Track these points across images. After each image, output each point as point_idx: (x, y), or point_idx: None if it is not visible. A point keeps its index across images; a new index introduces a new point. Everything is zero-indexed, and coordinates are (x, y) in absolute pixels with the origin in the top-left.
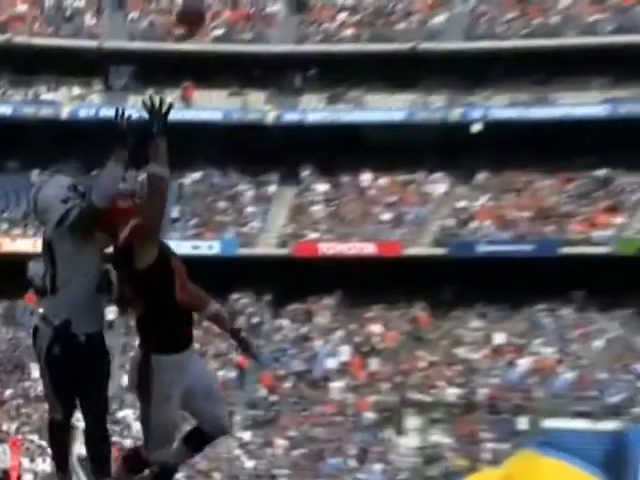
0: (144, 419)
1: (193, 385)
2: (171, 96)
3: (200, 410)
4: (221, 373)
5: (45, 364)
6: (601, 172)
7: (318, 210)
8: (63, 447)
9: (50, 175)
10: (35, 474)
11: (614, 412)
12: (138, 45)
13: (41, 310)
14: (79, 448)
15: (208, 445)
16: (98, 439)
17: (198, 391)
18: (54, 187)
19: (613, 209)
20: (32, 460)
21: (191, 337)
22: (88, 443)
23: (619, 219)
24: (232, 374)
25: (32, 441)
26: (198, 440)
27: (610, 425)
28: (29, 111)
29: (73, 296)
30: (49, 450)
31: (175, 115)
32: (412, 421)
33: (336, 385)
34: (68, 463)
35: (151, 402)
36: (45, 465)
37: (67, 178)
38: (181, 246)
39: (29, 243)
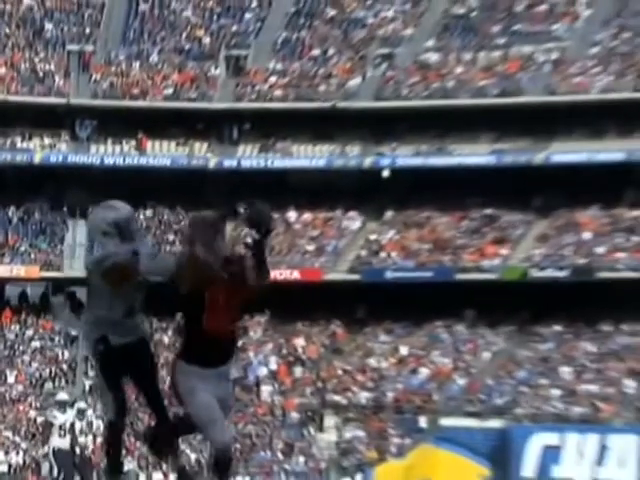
0: (194, 420)
1: (216, 397)
2: (127, 145)
3: None
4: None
5: (96, 364)
6: (489, 211)
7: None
8: (118, 449)
9: (106, 202)
10: (9, 465)
11: (499, 412)
12: (100, 102)
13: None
14: (56, 441)
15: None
16: (165, 424)
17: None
18: (99, 217)
19: (499, 242)
20: (7, 453)
21: (217, 360)
22: (159, 430)
23: (504, 250)
24: None
25: (7, 437)
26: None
27: (496, 423)
28: (6, 157)
29: (103, 319)
30: (105, 452)
31: (131, 161)
32: (330, 420)
33: (266, 389)
34: (122, 466)
35: (184, 401)
36: (18, 458)
37: (117, 210)
38: None
39: (6, 269)
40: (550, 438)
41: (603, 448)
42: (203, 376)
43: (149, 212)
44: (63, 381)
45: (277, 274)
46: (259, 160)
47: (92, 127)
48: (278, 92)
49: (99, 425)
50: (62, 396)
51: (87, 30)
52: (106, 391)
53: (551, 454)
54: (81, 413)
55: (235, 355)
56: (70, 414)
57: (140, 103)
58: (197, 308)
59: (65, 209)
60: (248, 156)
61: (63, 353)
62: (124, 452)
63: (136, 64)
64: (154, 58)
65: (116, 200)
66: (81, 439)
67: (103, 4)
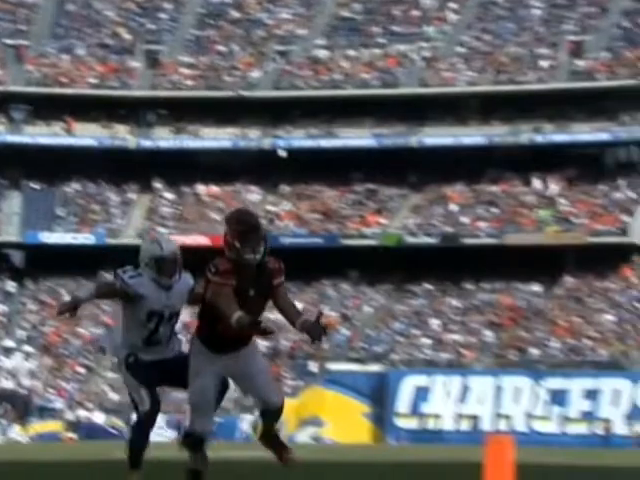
0: (188, 396)
1: (243, 370)
2: (57, 127)
3: (252, 388)
4: (92, 330)
5: (126, 371)
6: (370, 186)
7: (166, 212)
8: (143, 443)
9: (157, 237)
10: None
11: (378, 358)
12: (33, 89)
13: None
14: (2, 382)
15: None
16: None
17: (248, 374)
18: (146, 248)
19: (379, 212)
20: None
21: (229, 350)
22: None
23: (383, 220)
24: (99, 331)
25: None
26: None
27: (375, 368)
28: None
29: (128, 340)
30: (129, 445)
31: (61, 141)
32: None
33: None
34: (142, 460)
35: (189, 377)
36: None
37: (162, 250)
38: (64, 237)
39: None
40: (421, 380)
41: (465, 388)
42: (211, 359)
43: (76, 186)
44: (2, 332)
45: (188, 240)
46: (173, 141)
47: (26, 111)
48: (189, 82)
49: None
50: (8, 343)
51: (22, 27)
52: (138, 388)
53: (421, 393)
54: (29, 355)
55: (250, 341)
56: (14, 359)
57: (68, 90)
58: (214, 317)
59: (1, 182)
60: (163, 137)
61: (2, 308)
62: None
63: (65, 57)
64: (81, 51)
65: (167, 237)
66: (26, 381)
67: (35, 4)
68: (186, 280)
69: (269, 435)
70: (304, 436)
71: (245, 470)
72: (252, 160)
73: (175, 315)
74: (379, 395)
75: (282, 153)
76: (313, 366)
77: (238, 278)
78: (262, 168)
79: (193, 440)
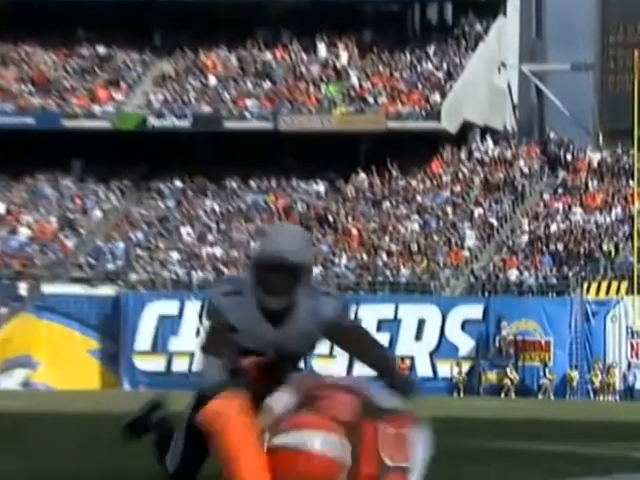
0: None
1: None
2: None
3: None
4: None
5: (190, 409)
6: (101, 49)
7: None
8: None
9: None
10: None
11: (111, 278)
12: None
13: None
14: None
15: None
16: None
17: None
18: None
19: (113, 84)
20: None
21: None
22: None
23: (119, 95)
24: None
25: None
26: None
27: (107, 290)
28: None
29: (209, 376)
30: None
31: None
32: None
33: None
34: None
35: None
36: None
37: (266, 246)
38: None
39: None
40: (168, 307)
41: None
42: None
43: None
44: None
45: None
46: None
47: None
48: None
49: None
50: None
51: None
52: (180, 438)
53: (168, 325)
54: None
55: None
56: None
57: None
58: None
59: None
60: None
61: None
62: None
63: None
64: None
65: (287, 229)
66: None
67: None
68: (318, 308)
69: None
70: (10, 382)
71: None
72: None
73: (290, 361)
74: (112, 327)
75: None
76: (22, 288)
77: None
78: None
79: None
